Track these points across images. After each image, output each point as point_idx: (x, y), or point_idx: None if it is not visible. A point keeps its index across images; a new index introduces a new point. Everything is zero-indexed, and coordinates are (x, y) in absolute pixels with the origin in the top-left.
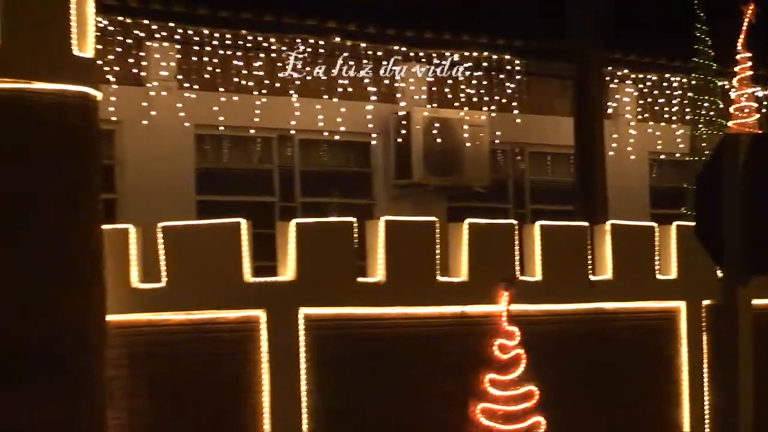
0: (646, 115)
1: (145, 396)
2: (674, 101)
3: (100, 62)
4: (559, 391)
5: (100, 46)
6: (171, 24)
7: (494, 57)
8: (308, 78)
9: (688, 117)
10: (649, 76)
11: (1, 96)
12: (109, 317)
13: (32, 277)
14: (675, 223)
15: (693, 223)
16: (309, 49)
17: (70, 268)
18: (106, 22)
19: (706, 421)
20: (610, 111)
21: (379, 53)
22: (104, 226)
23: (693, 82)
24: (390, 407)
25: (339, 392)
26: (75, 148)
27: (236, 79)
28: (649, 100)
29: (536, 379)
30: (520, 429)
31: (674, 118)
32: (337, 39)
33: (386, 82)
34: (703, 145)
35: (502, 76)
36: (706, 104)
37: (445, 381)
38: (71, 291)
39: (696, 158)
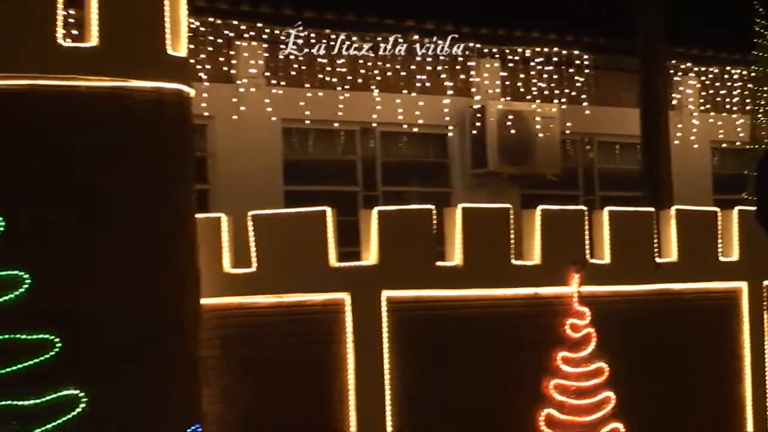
0: (708, 106)
1: (237, 374)
2: (735, 92)
3: (192, 61)
4: (627, 367)
5: (192, 46)
6: (259, 24)
7: (564, 52)
8: (389, 74)
9: (748, 107)
10: (710, 69)
11: (101, 94)
12: (203, 301)
13: (131, 263)
14: (737, 208)
15: (754, 208)
16: (390, 47)
17: (166, 255)
18: (197, 24)
19: None
20: (674, 102)
21: (456, 50)
22: (198, 215)
23: (753, 74)
24: (467, 383)
25: (419, 370)
26: (170, 142)
27: (321, 76)
28: (711, 91)
29: (606, 356)
30: (591, 404)
31: (735, 108)
32: (415, 37)
33: (462, 77)
34: (763, 133)
35: (572, 71)
36: (765, 95)
37: (519, 358)
38: (168, 276)
39: (756, 146)
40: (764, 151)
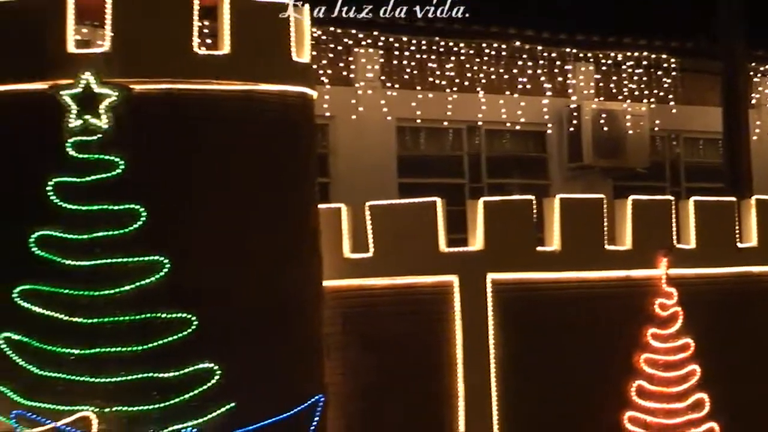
0: None
1: (356, 349)
2: None
3: (315, 66)
4: (711, 342)
5: (314, 53)
6: (375, 32)
7: (653, 56)
8: (493, 77)
9: None
10: None
11: (233, 97)
12: (325, 283)
13: (260, 249)
14: None
15: None
16: (494, 52)
17: (292, 242)
18: (319, 32)
19: None
20: (753, 101)
21: (554, 54)
22: (320, 206)
23: None
24: (565, 357)
25: (521, 345)
26: (295, 140)
27: (431, 79)
28: None
29: (691, 333)
30: (678, 376)
31: None
32: (517, 43)
33: (559, 79)
34: None
35: (660, 73)
36: None
37: (612, 335)
38: (293, 260)
39: None
40: None
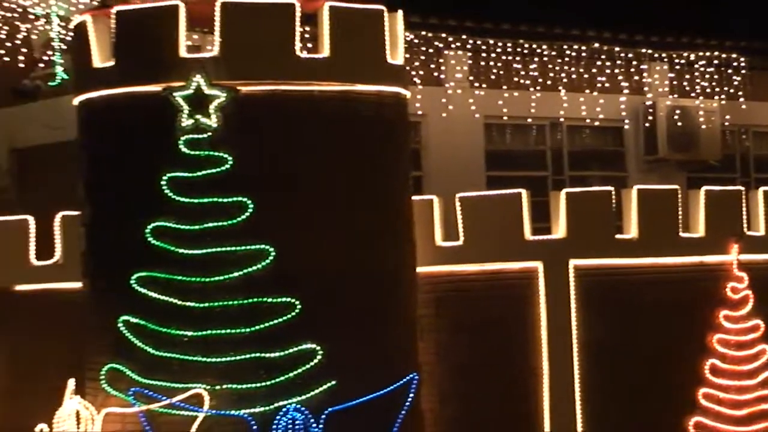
0: None
1: (448, 330)
2: None
3: (408, 68)
4: None
5: (407, 56)
6: (463, 36)
7: (723, 56)
8: (573, 76)
9: None
10: None
11: (332, 96)
12: (419, 269)
13: (359, 238)
14: None
15: None
16: (574, 53)
17: (387, 231)
18: (412, 36)
19: None
20: None
21: (630, 55)
22: (414, 198)
23: None
24: (642, 337)
25: (601, 326)
26: (389, 137)
27: (516, 79)
28: None
29: (761, 315)
30: (749, 355)
31: None
32: (596, 44)
33: (635, 78)
34: None
35: (730, 71)
36: None
37: (686, 316)
38: (389, 248)
39: None
40: None
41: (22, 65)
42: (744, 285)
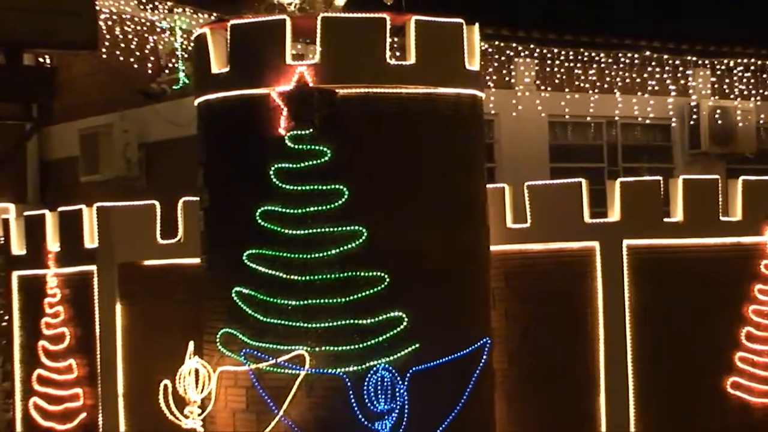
0: None
1: (516, 300)
2: None
3: (483, 73)
4: None
5: (482, 62)
6: (531, 45)
7: (759, 62)
8: (627, 80)
9: None
10: None
11: (417, 98)
12: (492, 247)
13: (441, 220)
14: None
15: None
16: (627, 60)
17: (465, 213)
18: (486, 46)
19: None
20: None
21: (677, 62)
22: (488, 186)
23: None
24: (686, 307)
25: (651, 298)
26: (467, 133)
27: (577, 83)
28: None
29: None
30: None
31: None
32: (647, 53)
33: (681, 82)
34: None
35: (765, 75)
36: None
37: (725, 290)
38: (467, 229)
39: None
40: None
41: (150, 71)
42: None
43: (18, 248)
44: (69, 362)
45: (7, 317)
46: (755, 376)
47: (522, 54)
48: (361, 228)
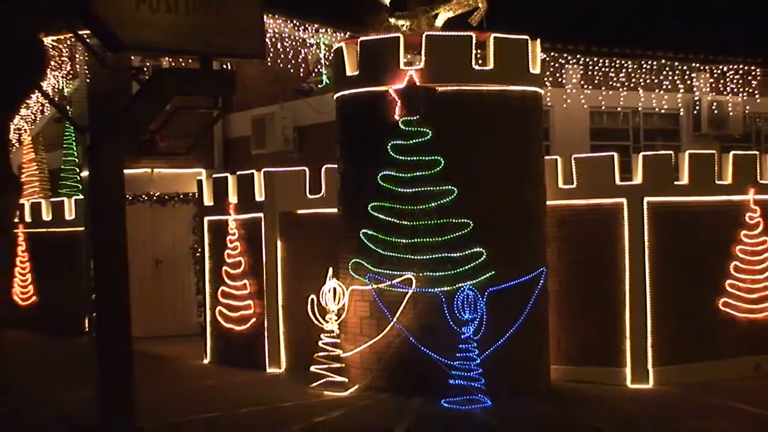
0: None
1: (565, 241)
2: None
3: (542, 75)
4: None
5: (542, 67)
6: (577, 55)
7: (745, 67)
8: (647, 81)
9: None
10: None
11: (494, 94)
12: (548, 202)
13: (509, 183)
14: None
15: None
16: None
17: (529, 178)
18: (544, 55)
19: None
20: None
21: (684, 67)
22: (546, 157)
23: None
24: (690, 247)
25: (663, 240)
26: (530, 119)
27: (610, 83)
28: None
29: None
30: (759, 260)
31: None
32: (663, 60)
33: (687, 82)
34: None
35: (749, 78)
36: None
37: (720, 234)
38: (530, 188)
39: None
40: None
41: (301, 74)
42: (757, 215)
43: (208, 200)
44: (244, 282)
45: (200, 250)
46: (741, 297)
47: (570, 62)
48: (453, 187)
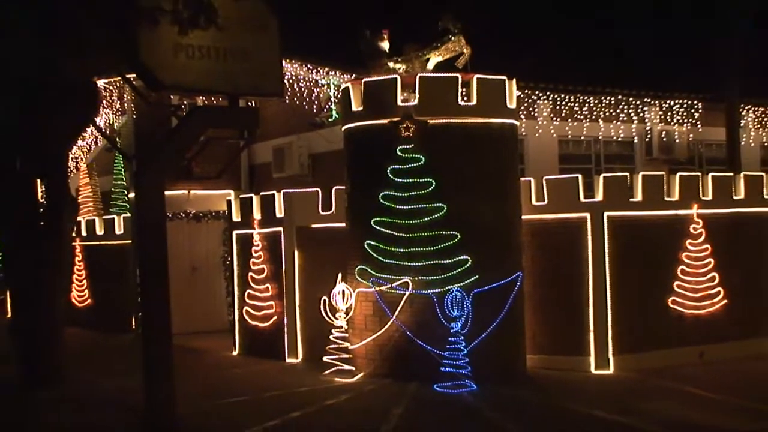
0: None
1: (537, 249)
2: None
3: (518, 109)
4: (721, 248)
5: (517, 103)
6: (547, 92)
7: (688, 102)
8: (607, 114)
9: None
10: None
11: (477, 126)
12: (523, 216)
13: (490, 200)
14: None
15: None
16: (606, 101)
17: (506, 195)
18: (519, 93)
19: None
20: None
21: (638, 102)
22: (521, 179)
23: None
24: (644, 254)
25: (621, 249)
26: (507, 146)
27: (575, 116)
28: None
29: (709, 242)
30: (701, 264)
31: None
32: (620, 96)
33: (640, 114)
34: None
35: (692, 110)
36: None
37: (669, 243)
38: (507, 204)
39: None
40: None
41: (314, 110)
42: (700, 226)
43: (236, 217)
44: (266, 285)
45: (229, 259)
46: (686, 296)
47: (541, 98)
48: (442, 205)
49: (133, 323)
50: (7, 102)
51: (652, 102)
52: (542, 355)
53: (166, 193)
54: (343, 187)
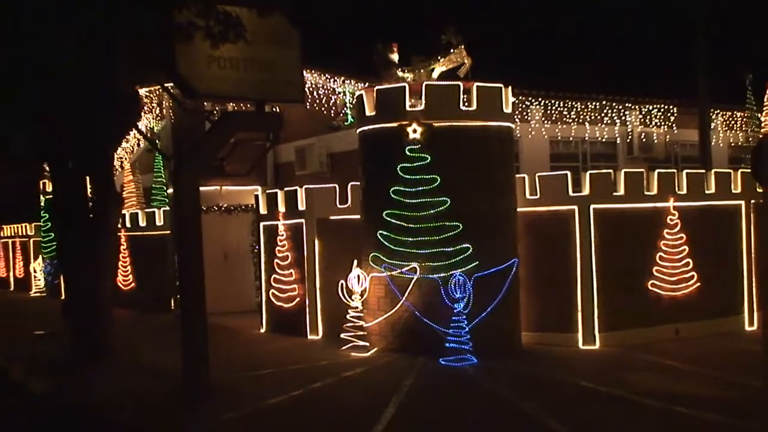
0: None
1: (531, 238)
2: None
3: (513, 113)
4: (695, 236)
5: (513, 108)
6: (539, 98)
7: (665, 106)
8: (593, 117)
9: None
10: None
11: (477, 128)
12: (519, 209)
13: (491, 193)
14: None
15: None
16: (592, 106)
17: (504, 190)
18: (515, 99)
19: None
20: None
21: (620, 106)
22: (516, 175)
23: None
24: (626, 242)
25: (606, 238)
26: (504, 146)
27: (564, 119)
28: None
29: (684, 231)
30: (677, 251)
31: None
32: (604, 102)
33: (623, 117)
34: None
35: (668, 114)
36: None
37: (649, 232)
38: (505, 198)
39: None
40: None
41: (332, 114)
42: (676, 217)
43: (263, 210)
44: (290, 271)
45: (257, 247)
46: (664, 279)
47: (534, 103)
48: (446, 198)
49: (172, 304)
50: (61, 110)
51: (633, 106)
52: (536, 332)
53: (201, 188)
54: (358, 183)
